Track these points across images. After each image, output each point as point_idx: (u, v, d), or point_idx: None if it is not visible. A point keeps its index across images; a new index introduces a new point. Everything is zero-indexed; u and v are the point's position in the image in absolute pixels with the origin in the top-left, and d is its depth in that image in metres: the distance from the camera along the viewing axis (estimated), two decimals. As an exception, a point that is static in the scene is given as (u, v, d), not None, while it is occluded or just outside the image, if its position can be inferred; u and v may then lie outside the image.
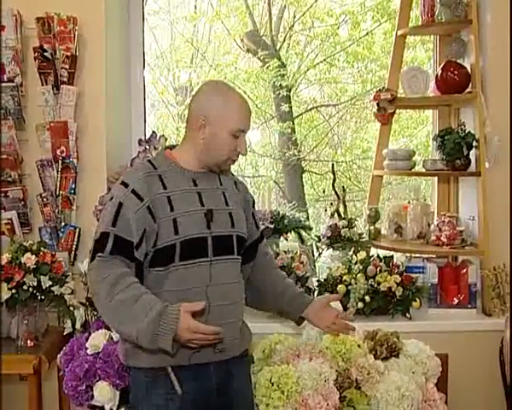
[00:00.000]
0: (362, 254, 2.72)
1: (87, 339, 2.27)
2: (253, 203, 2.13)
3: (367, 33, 5.52)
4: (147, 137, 2.85)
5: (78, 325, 2.46)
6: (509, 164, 2.74)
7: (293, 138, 5.40)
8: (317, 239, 2.99)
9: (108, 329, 2.22)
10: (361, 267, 2.66)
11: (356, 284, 2.60)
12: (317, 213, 5.43)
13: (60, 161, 2.63)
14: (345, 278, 2.64)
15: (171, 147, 1.98)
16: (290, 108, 5.39)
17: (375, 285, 2.60)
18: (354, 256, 2.73)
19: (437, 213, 3.07)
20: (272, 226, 2.86)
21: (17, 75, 2.59)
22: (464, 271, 2.75)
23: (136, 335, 1.70)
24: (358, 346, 2.22)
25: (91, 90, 2.70)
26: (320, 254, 3.02)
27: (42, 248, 2.42)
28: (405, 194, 4.43)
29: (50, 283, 2.36)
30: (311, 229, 3.05)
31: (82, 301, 2.51)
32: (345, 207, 3.01)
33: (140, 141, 2.84)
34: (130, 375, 1.94)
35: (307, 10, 5.44)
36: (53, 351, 2.41)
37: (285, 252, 2.71)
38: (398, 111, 3.17)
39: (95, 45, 2.69)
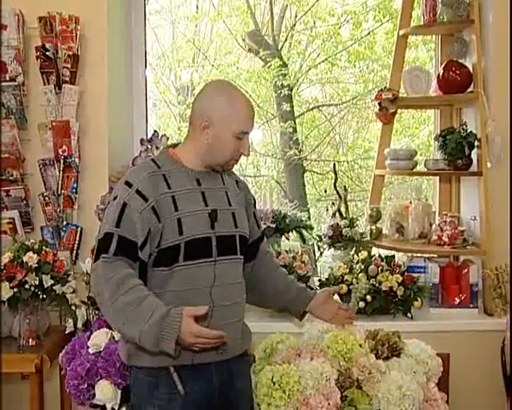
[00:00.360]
0: (363, 254, 2.72)
1: (89, 338, 2.27)
2: (254, 203, 2.13)
3: (369, 33, 5.51)
4: (148, 137, 2.85)
5: (79, 324, 2.47)
6: (511, 164, 2.74)
7: (295, 138, 5.39)
8: (318, 239, 2.99)
9: (110, 328, 2.22)
10: (362, 267, 2.66)
11: (357, 283, 2.61)
12: (318, 213, 5.42)
13: (62, 161, 2.63)
14: (346, 277, 2.64)
15: (174, 145, 1.97)
16: (292, 107, 5.39)
17: (377, 285, 2.60)
18: (356, 256, 2.73)
19: (438, 212, 3.07)
20: (274, 226, 2.86)
21: (19, 74, 2.60)
22: (466, 271, 2.75)
23: (139, 337, 1.70)
24: (360, 345, 2.21)
25: (93, 90, 2.70)
26: (321, 253, 3.02)
27: (44, 248, 2.43)
28: (407, 194, 4.43)
29: (52, 282, 2.36)
30: (312, 228, 3.05)
31: (84, 300, 2.52)
32: (346, 206, 3.01)
33: (142, 140, 2.84)
34: (132, 374, 1.94)
35: (309, 10, 5.44)
36: (55, 350, 2.41)
37: (286, 251, 2.71)
38: (399, 111, 3.17)
39: (97, 45, 2.69)
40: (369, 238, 2.94)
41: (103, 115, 2.71)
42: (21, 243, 2.42)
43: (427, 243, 2.88)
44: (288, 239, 2.99)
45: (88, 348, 2.24)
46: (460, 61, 2.89)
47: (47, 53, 2.60)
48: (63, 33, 2.62)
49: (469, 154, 2.79)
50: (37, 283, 2.33)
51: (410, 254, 2.89)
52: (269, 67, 5.26)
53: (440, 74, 2.87)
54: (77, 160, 2.66)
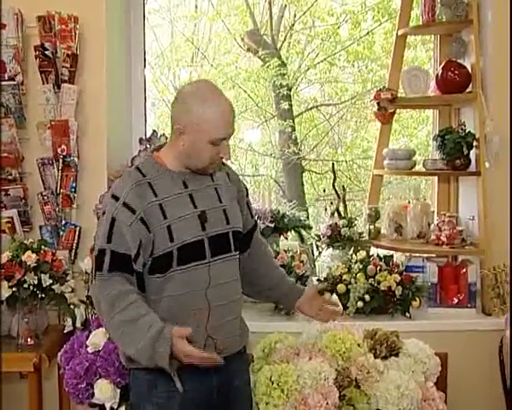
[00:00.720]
0: (362, 254, 2.72)
1: (87, 337, 2.27)
2: (247, 192, 2.10)
3: (367, 33, 5.52)
4: (147, 136, 2.85)
5: (78, 324, 2.47)
6: (509, 164, 2.74)
7: (294, 137, 5.40)
8: (316, 238, 2.99)
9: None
10: (361, 267, 2.66)
11: (356, 283, 2.61)
12: (317, 213, 5.43)
13: (60, 160, 2.63)
14: (344, 277, 2.64)
15: (159, 147, 1.94)
16: (290, 107, 5.39)
17: (375, 284, 2.61)
18: (354, 255, 2.73)
19: (437, 212, 3.07)
20: (272, 225, 2.86)
21: (18, 74, 2.60)
22: (464, 270, 2.75)
23: (136, 355, 1.74)
24: (358, 345, 2.22)
25: (92, 89, 2.70)
26: (320, 253, 3.02)
27: (42, 247, 2.43)
28: (405, 193, 4.44)
29: (51, 281, 2.37)
30: (311, 228, 3.05)
31: (82, 299, 2.52)
32: (345, 206, 3.02)
33: (140, 140, 2.85)
34: (131, 373, 1.94)
35: (308, 9, 5.44)
36: (53, 349, 2.42)
37: (285, 251, 2.71)
38: (398, 111, 3.18)
39: (95, 44, 2.69)
40: (367, 238, 2.95)
41: (102, 115, 2.71)
42: (20, 243, 2.42)
43: (426, 243, 2.88)
44: (286, 239, 2.99)
45: (87, 347, 2.24)
46: (458, 61, 2.89)
47: (46, 52, 2.60)
48: (62, 33, 2.62)
49: (468, 154, 2.79)
50: (35, 282, 2.33)
51: (408, 254, 2.89)
52: (268, 66, 5.26)
53: (439, 74, 2.88)
54: (76, 159, 2.65)
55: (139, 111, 3.10)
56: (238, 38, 5.52)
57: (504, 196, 2.71)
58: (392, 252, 2.81)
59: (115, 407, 2.19)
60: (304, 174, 5.64)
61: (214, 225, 1.87)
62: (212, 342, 1.85)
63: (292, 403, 2.06)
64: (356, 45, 5.57)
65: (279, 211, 2.94)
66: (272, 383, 2.07)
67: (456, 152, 2.78)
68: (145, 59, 3.17)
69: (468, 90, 2.84)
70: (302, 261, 2.69)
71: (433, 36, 3.26)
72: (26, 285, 2.32)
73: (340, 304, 2.32)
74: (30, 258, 2.34)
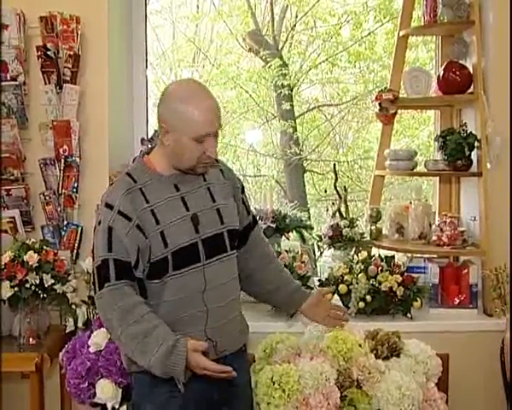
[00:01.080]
0: (363, 254, 2.72)
1: (89, 337, 2.28)
2: (243, 188, 2.08)
3: (369, 33, 5.51)
4: (149, 136, 2.85)
5: (80, 323, 2.48)
6: (511, 165, 2.74)
7: (295, 138, 5.40)
8: (318, 239, 2.99)
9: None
10: (362, 267, 2.66)
11: (357, 283, 2.61)
12: (318, 213, 5.42)
13: (62, 160, 2.64)
14: (346, 277, 2.65)
15: (150, 150, 1.93)
16: (292, 107, 5.39)
17: (377, 285, 2.61)
18: (355, 256, 2.73)
19: (438, 213, 3.07)
20: (274, 226, 2.86)
21: (20, 74, 2.60)
22: (465, 271, 2.75)
23: (148, 367, 1.74)
24: (359, 345, 2.22)
25: (94, 90, 2.70)
26: (321, 253, 3.02)
27: (44, 247, 2.43)
28: (407, 194, 4.42)
29: (53, 281, 2.37)
30: (312, 228, 3.05)
31: (84, 299, 2.52)
32: (346, 206, 3.02)
33: (142, 140, 2.85)
34: (132, 375, 1.94)
35: (309, 10, 5.44)
36: (55, 349, 2.42)
37: (286, 251, 2.71)
38: (399, 111, 3.18)
39: (97, 45, 2.70)
40: (368, 238, 2.95)
41: (104, 115, 2.72)
42: (22, 243, 2.42)
43: (427, 244, 2.88)
44: (288, 239, 2.99)
45: (88, 347, 2.25)
46: (460, 61, 2.89)
47: (48, 53, 2.60)
48: (64, 33, 2.62)
49: (469, 154, 2.79)
50: (37, 282, 2.34)
51: (409, 255, 2.89)
52: (269, 66, 5.26)
53: (440, 75, 2.88)
54: (77, 159, 2.66)
55: (141, 111, 3.11)
56: (240, 38, 5.52)
57: (506, 197, 2.71)
58: (393, 253, 2.81)
59: (117, 406, 2.19)
60: (305, 175, 5.64)
61: (208, 227, 1.86)
62: (211, 343, 1.84)
63: (293, 404, 2.06)
64: (357, 46, 5.57)
65: (280, 211, 2.94)
66: (273, 383, 2.07)
67: (457, 153, 2.78)
68: (147, 59, 3.17)
69: (469, 90, 2.84)
70: (303, 262, 2.69)
71: (434, 36, 3.26)
72: (27, 285, 2.33)
73: (345, 309, 2.31)
74: (32, 258, 2.35)
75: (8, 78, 2.59)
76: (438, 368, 2.30)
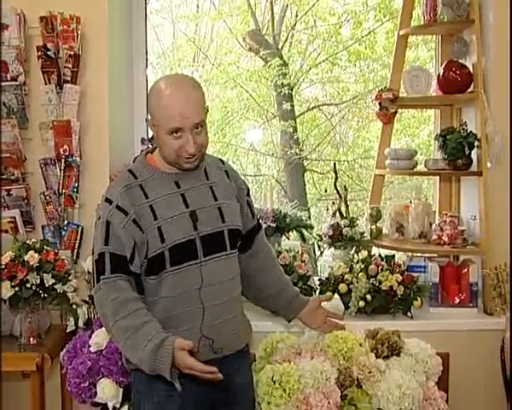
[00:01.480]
0: (363, 254, 2.72)
1: (90, 337, 2.28)
2: (248, 191, 2.07)
3: (369, 32, 5.51)
4: (149, 136, 2.85)
5: (80, 323, 2.48)
6: (511, 164, 2.74)
7: (295, 137, 5.40)
8: (318, 238, 2.99)
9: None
10: (362, 266, 2.66)
11: (357, 282, 2.61)
12: (318, 212, 5.42)
13: (63, 160, 2.64)
14: (346, 277, 2.65)
15: (153, 149, 1.94)
16: (292, 106, 5.39)
17: (377, 284, 2.61)
18: (356, 255, 2.73)
19: (438, 212, 3.07)
20: (274, 225, 2.87)
21: (20, 74, 2.61)
22: (465, 270, 2.75)
23: (137, 361, 1.75)
24: (360, 345, 2.23)
25: (94, 89, 2.71)
26: (322, 253, 3.02)
27: (45, 247, 2.44)
28: (407, 193, 4.43)
29: (53, 281, 2.37)
30: (312, 228, 3.05)
31: (85, 298, 2.53)
32: (346, 206, 3.02)
33: (143, 139, 2.86)
34: (132, 372, 1.95)
35: (309, 9, 5.43)
36: (56, 349, 2.43)
37: (287, 251, 2.71)
38: (400, 110, 3.18)
39: (98, 44, 2.70)
40: (369, 238, 2.95)
41: (104, 115, 2.72)
42: (22, 243, 2.42)
43: (427, 243, 2.88)
44: (288, 238, 2.99)
45: (89, 346, 2.25)
46: (460, 61, 2.89)
47: (48, 53, 2.61)
48: (64, 33, 2.63)
49: (469, 153, 2.80)
50: (38, 282, 2.34)
51: (409, 254, 2.90)
52: (269, 66, 5.26)
53: (440, 74, 2.88)
54: (78, 159, 2.66)
55: (141, 111, 3.11)
56: (240, 37, 5.52)
57: (506, 196, 2.71)
58: (393, 252, 2.81)
59: (118, 406, 2.20)
60: (305, 174, 5.64)
61: (207, 224, 1.86)
62: (207, 341, 1.84)
63: (293, 403, 2.06)
64: (357, 45, 5.56)
65: (281, 211, 2.94)
66: (274, 382, 2.08)
67: (457, 152, 2.78)
68: (147, 59, 3.17)
69: (469, 90, 2.84)
70: (304, 261, 2.69)
71: (434, 36, 3.26)
72: (28, 285, 2.33)
73: (342, 317, 2.31)
74: (32, 258, 2.35)
75: (9, 78, 2.60)
76: (438, 367, 2.30)
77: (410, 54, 4.77)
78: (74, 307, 2.48)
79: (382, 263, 2.67)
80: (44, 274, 2.36)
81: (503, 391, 2.59)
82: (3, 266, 2.33)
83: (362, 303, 2.60)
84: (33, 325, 2.45)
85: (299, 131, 5.51)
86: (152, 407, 1.88)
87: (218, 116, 5.47)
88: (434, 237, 2.84)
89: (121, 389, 2.19)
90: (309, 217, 3.42)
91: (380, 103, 2.96)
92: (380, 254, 2.74)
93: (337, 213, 2.99)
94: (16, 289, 2.33)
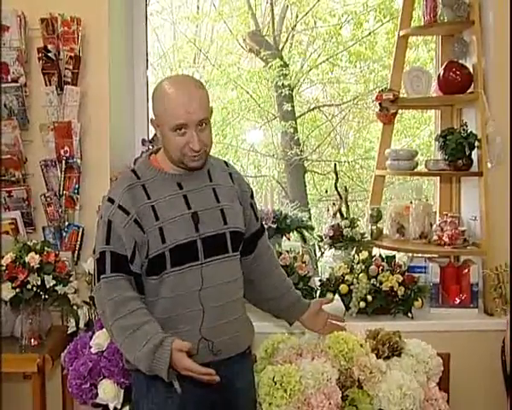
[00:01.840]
0: (364, 254, 2.72)
1: (91, 338, 2.28)
2: (252, 194, 2.08)
3: (369, 33, 5.51)
4: (150, 137, 2.86)
5: (81, 324, 2.48)
6: (511, 164, 2.74)
7: (296, 138, 5.40)
8: (319, 239, 2.99)
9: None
10: (363, 267, 2.66)
11: (358, 283, 2.61)
12: (319, 213, 5.43)
13: (63, 161, 2.64)
14: (347, 277, 2.65)
15: (157, 150, 1.95)
16: (293, 107, 5.39)
17: (377, 285, 2.61)
18: (356, 256, 2.73)
19: (439, 213, 3.07)
20: (275, 226, 2.87)
21: (21, 76, 2.61)
22: (466, 271, 2.75)
23: (135, 361, 1.75)
24: (360, 345, 2.23)
25: (95, 91, 2.71)
26: (322, 253, 3.02)
27: (45, 248, 2.43)
28: (407, 194, 4.43)
29: (54, 282, 2.37)
30: (313, 229, 3.05)
31: (85, 300, 2.53)
32: (347, 206, 3.02)
33: (143, 141, 2.86)
34: (132, 373, 1.95)
35: (310, 10, 5.44)
36: (57, 350, 2.43)
37: (287, 252, 2.72)
38: (400, 111, 3.18)
39: (98, 46, 2.70)
40: (369, 238, 2.95)
41: (105, 116, 2.72)
42: (23, 244, 2.43)
43: (428, 243, 2.89)
44: (288, 239, 2.99)
45: (90, 347, 2.25)
46: (460, 61, 2.89)
47: (49, 54, 2.61)
48: (65, 35, 2.63)
49: (470, 154, 2.80)
50: (39, 283, 2.34)
51: (410, 255, 2.89)
52: (270, 67, 5.27)
53: (441, 75, 2.88)
54: (78, 160, 2.66)
55: (142, 112, 3.11)
56: (240, 38, 5.52)
57: (506, 196, 2.71)
58: (394, 252, 2.81)
59: (119, 407, 2.20)
60: (306, 175, 5.64)
61: (209, 226, 1.86)
62: (207, 343, 1.84)
63: (295, 403, 2.06)
64: (358, 46, 5.57)
65: (281, 212, 2.94)
66: (275, 383, 2.08)
67: (458, 152, 2.78)
68: (147, 60, 3.17)
69: (469, 90, 2.84)
70: (304, 262, 2.69)
71: (434, 36, 3.26)
72: (29, 286, 2.33)
73: (343, 318, 2.31)
74: (33, 259, 2.35)
75: (9, 79, 2.60)
76: (439, 368, 2.31)
77: (410, 54, 4.77)
78: (75, 308, 2.48)
79: (383, 264, 2.67)
80: (45, 275, 2.36)
81: (503, 392, 2.58)
82: (4, 268, 2.34)
83: (362, 304, 2.60)
84: (34, 327, 2.45)
85: (299, 131, 5.51)
86: (151, 407, 1.88)
87: (219, 117, 5.47)
88: (435, 237, 2.84)
89: (122, 390, 2.19)
90: (309, 218, 3.42)
91: (380, 104, 2.96)
92: (380, 255, 2.74)
93: (338, 214, 2.99)
94: (17, 290, 2.33)
